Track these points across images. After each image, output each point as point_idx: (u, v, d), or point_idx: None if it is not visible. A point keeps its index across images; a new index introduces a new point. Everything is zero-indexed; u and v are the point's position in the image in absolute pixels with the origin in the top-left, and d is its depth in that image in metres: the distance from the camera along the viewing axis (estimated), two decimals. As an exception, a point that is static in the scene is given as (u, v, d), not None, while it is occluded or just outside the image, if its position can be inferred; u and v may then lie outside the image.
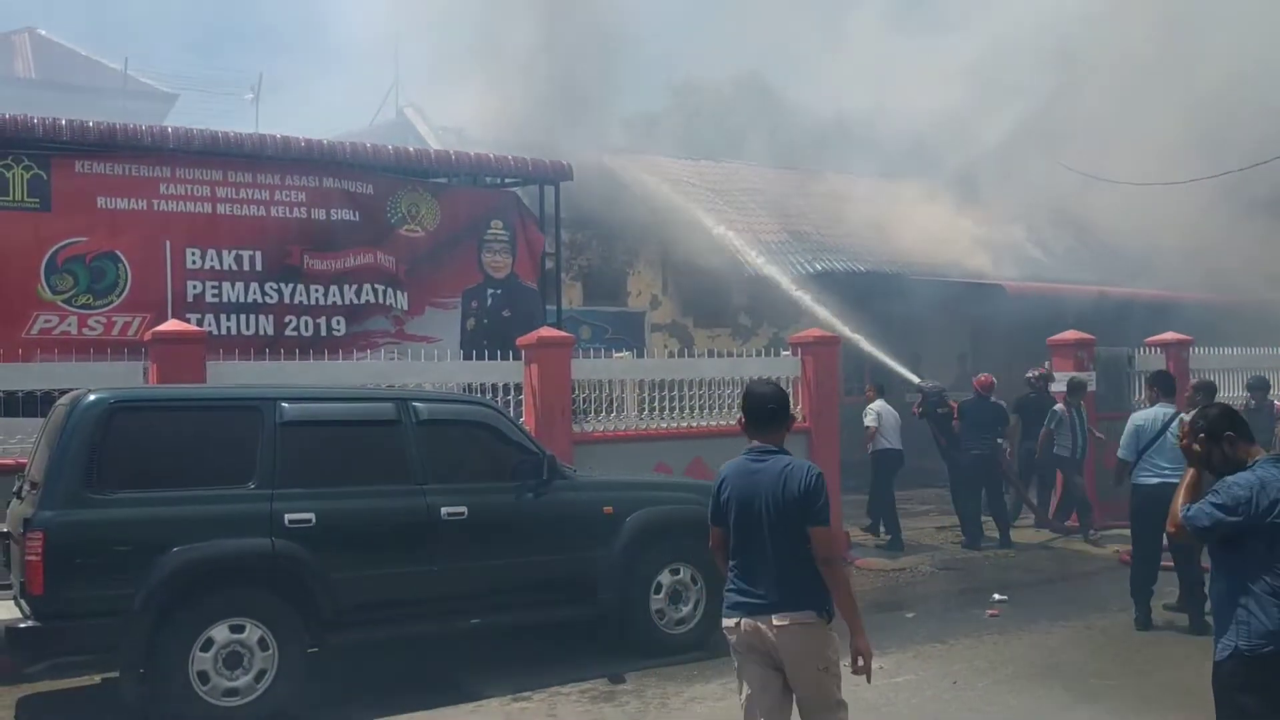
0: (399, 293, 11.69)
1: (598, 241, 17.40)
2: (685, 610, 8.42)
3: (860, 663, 4.65)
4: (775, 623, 4.59)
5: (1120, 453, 9.14)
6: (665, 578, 8.34)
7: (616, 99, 20.44)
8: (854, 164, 20.97)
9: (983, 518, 13.01)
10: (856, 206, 20.17)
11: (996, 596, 10.20)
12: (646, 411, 11.20)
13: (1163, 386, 9.44)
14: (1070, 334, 14.38)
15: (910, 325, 18.19)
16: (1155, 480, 8.73)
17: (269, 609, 6.90)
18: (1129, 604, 9.09)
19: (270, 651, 6.81)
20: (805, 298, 15.94)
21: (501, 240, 12.39)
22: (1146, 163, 17.69)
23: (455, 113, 18.49)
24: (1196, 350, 14.94)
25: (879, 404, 13.36)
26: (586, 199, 14.58)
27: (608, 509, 8.18)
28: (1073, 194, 20.09)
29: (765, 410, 4.83)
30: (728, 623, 4.77)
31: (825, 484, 4.68)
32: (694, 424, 11.32)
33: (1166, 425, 8.82)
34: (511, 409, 10.12)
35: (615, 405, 11.11)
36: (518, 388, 10.47)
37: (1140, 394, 14.09)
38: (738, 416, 5.13)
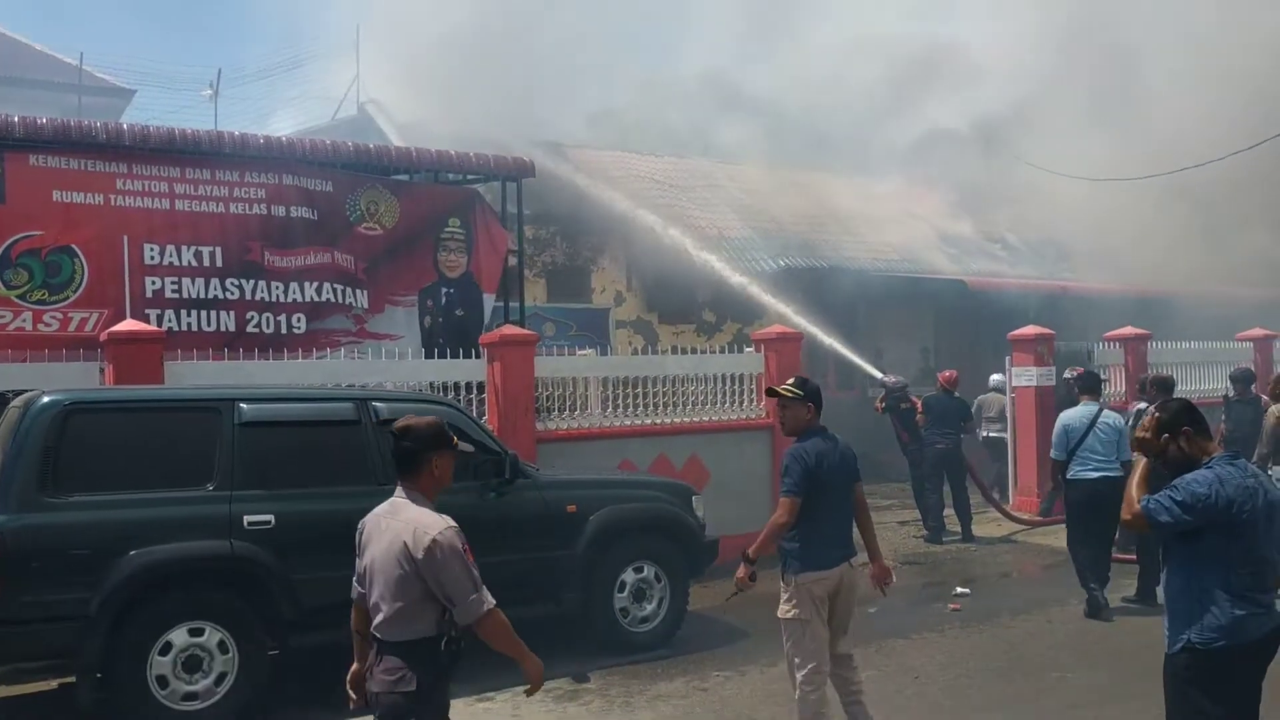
0: (359, 291, 11.57)
1: (562, 238, 17.33)
2: (649, 608, 8.43)
3: (884, 581, 6.09)
4: (854, 563, 5.87)
5: (1053, 453, 9.58)
6: (629, 576, 8.35)
7: (581, 95, 20.41)
8: (816, 159, 20.98)
9: (945, 512, 13.10)
10: (820, 202, 20.22)
11: (958, 590, 10.29)
12: (611, 409, 11.17)
13: (1084, 386, 9.82)
14: (1031, 329, 14.51)
15: (873, 320, 18.28)
16: (1096, 475, 9.18)
17: (229, 612, 6.84)
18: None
19: (230, 654, 6.75)
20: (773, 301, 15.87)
21: (458, 239, 12.29)
22: (1101, 160, 17.87)
23: (417, 108, 18.35)
24: (1155, 344, 15.10)
25: None
26: (551, 195, 14.51)
27: (571, 508, 8.17)
28: (1033, 189, 20.25)
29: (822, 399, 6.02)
30: (827, 573, 5.70)
31: None
32: (658, 421, 11.31)
33: (1093, 422, 9.28)
34: (474, 407, 10.08)
35: (579, 403, 11.06)
36: (480, 386, 10.42)
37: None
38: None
